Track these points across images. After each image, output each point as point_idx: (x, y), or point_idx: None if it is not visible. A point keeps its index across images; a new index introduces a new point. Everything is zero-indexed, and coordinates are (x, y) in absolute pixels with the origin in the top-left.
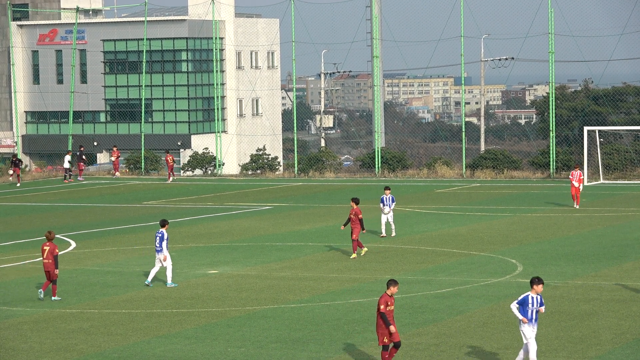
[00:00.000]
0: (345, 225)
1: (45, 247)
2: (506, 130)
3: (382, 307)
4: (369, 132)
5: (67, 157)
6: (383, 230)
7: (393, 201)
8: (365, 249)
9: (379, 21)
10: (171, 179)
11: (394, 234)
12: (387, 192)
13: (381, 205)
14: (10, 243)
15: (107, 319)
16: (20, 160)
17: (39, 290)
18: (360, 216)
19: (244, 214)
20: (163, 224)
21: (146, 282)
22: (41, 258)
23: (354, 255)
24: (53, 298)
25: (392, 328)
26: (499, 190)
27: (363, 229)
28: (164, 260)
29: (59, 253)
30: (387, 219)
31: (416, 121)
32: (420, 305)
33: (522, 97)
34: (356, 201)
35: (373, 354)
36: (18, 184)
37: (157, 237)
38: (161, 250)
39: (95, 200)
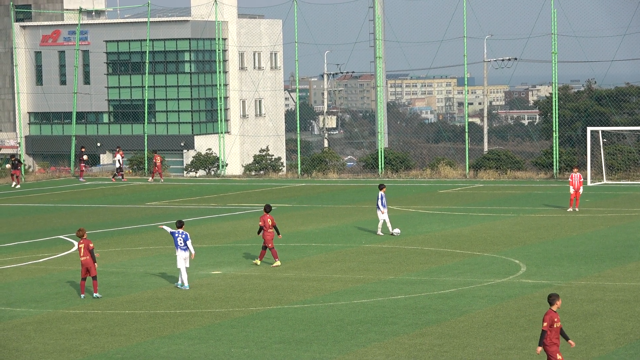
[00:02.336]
0: (279, 234)
1: (80, 245)
2: (509, 130)
3: (545, 324)
4: (372, 133)
5: (118, 157)
6: (391, 229)
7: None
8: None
9: (382, 22)
10: (152, 179)
11: (380, 232)
12: (384, 189)
13: (381, 205)
14: (13, 244)
15: (111, 319)
16: (19, 162)
17: (81, 296)
18: (259, 223)
19: (247, 215)
20: (181, 224)
21: (185, 287)
22: (76, 255)
23: (257, 262)
24: (95, 295)
25: (538, 349)
26: (502, 190)
27: (259, 233)
28: (193, 257)
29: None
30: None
31: (419, 122)
32: (423, 306)
33: (525, 97)
34: (266, 209)
35: (376, 354)
36: (18, 185)
37: (180, 237)
38: (187, 249)
39: (99, 201)
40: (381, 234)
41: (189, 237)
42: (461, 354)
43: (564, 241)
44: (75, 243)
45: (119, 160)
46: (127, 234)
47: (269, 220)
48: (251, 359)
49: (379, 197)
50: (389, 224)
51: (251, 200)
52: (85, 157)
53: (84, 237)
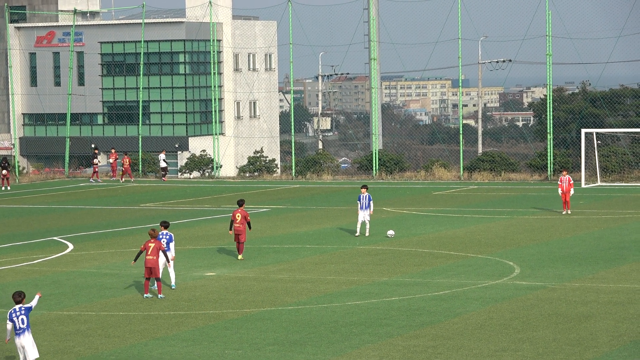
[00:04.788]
0: (250, 228)
1: (150, 244)
2: (504, 132)
3: None
4: (367, 135)
5: (162, 156)
6: (358, 229)
7: (370, 200)
8: (240, 257)
9: (377, 23)
10: (124, 179)
11: (367, 233)
12: (364, 190)
13: (358, 203)
14: (7, 245)
15: (105, 321)
16: (7, 164)
17: (145, 295)
18: (231, 218)
19: None
20: (166, 225)
21: (154, 288)
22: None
23: (240, 257)
24: (160, 296)
25: None
26: (497, 192)
27: (230, 230)
28: (172, 259)
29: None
30: (364, 218)
31: (414, 123)
32: (417, 308)
33: (520, 99)
34: (239, 202)
35: (370, 356)
36: (8, 188)
37: (165, 239)
38: (169, 250)
39: (93, 202)
40: (359, 234)
41: (172, 238)
42: (455, 355)
43: (558, 243)
44: (70, 245)
45: (164, 160)
46: (122, 236)
47: (238, 215)
48: None
49: (367, 197)
50: (358, 226)
51: (245, 202)
52: (98, 160)
53: (156, 237)
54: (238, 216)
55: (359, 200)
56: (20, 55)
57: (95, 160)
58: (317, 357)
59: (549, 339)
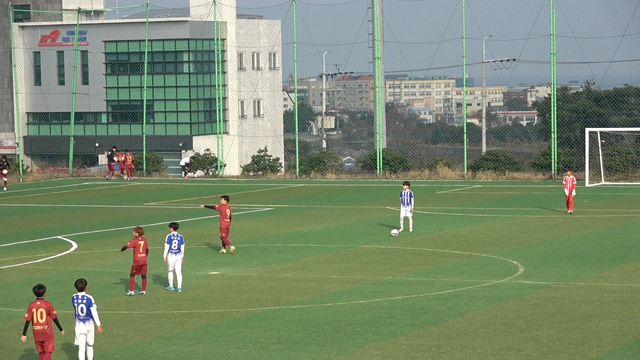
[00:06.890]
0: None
1: (140, 242)
2: (507, 131)
3: None
4: (371, 134)
5: (190, 154)
6: (401, 225)
7: (411, 196)
8: (233, 247)
9: (381, 22)
10: (129, 177)
11: (411, 229)
12: (406, 187)
13: (400, 199)
14: (11, 244)
15: (109, 320)
16: (7, 164)
17: (129, 293)
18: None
19: (245, 215)
20: (176, 226)
21: (169, 288)
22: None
23: (223, 250)
24: (142, 292)
25: None
26: (500, 191)
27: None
28: (182, 261)
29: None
30: (405, 214)
31: (417, 122)
32: (421, 307)
33: (524, 98)
34: (226, 198)
35: (374, 355)
36: (5, 188)
37: (176, 240)
38: (179, 252)
39: (97, 201)
40: (402, 229)
41: (183, 240)
42: (459, 354)
43: (562, 242)
44: (74, 244)
45: (190, 158)
46: (125, 235)
47: (228, 210)
48: (249, 359)
49: (408, 194)
50: (400, 222)
51: (249, 201)
52: (116, 158)
53: (142, 235)
54: (228, 211)
55: (401, 196)
56: (25, 54)
57: (115, 158)
58: (320, 356)
59: (552, 338)
